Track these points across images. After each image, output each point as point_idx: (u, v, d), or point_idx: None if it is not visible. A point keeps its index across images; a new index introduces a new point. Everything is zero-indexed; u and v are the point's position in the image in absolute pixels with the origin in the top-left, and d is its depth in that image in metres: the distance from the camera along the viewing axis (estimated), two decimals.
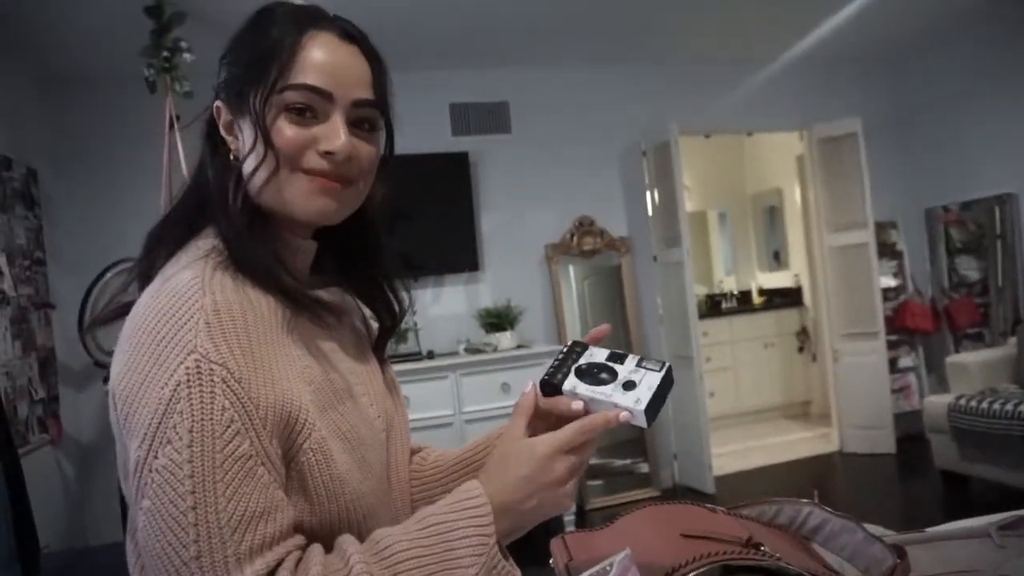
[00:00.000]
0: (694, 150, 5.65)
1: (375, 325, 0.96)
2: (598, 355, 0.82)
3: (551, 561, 1.00)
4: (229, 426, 0.63)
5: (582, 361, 0.81)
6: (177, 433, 0.62)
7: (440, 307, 4.32)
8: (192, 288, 0.68)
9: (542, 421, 0.78)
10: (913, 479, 4.33)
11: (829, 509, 1.09)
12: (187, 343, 0.65)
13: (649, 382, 0.75)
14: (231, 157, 0.80)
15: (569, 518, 3.94)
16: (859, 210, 4.79)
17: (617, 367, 0.79)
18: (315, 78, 0.76)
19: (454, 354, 4.06)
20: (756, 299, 6.76)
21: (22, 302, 3.24)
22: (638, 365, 0.78)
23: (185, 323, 0.66)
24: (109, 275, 3.47)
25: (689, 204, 5.24)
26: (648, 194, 4.71)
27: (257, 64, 0.76)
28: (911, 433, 4.74)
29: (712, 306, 6.58)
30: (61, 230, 3.72)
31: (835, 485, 4.52)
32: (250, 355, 0.67)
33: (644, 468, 4.55)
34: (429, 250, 4.02)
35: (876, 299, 4.77)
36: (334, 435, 0.73)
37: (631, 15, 3.92)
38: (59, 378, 3.59)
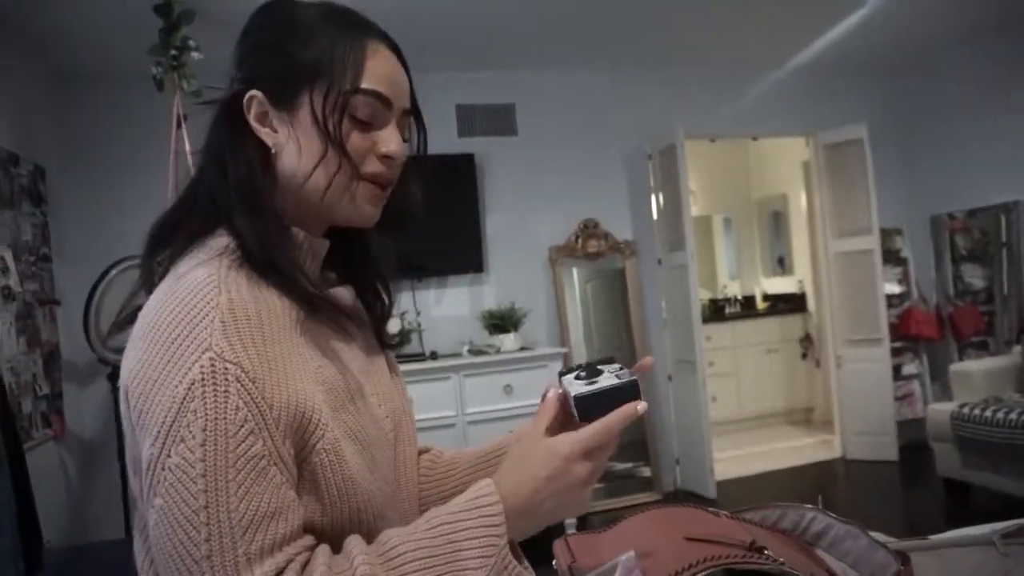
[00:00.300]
0: (699, 154, 5.65)
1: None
2: (609, 367, 0.82)
3: (554, 562, 1.00)
4: (243, 426, 0.63)
5: (598, 366, 0.82)
6: (191, 432, 0.62)
7: (444, 308, 4.32)
8: (208, 286, 0.68)
9: (564, 425, 0.77)
10: (915, 487, 4.32)
11: (833, 514, 1.08)
12: (202, 341, 0.64)
13: (604, 382, 0.76)
14: (272, 151, 0.79)
15: (570, 521, 3.94)
16: (864, 216, 4.78)
17: (604, 372, 0.79)
18: (381, 86, 0.78)
19: (457, 355, 4.06)
20: (760, 304, 6.76)
21: (27, 298, 3.25)
22: (617, 373, 0.79)
23: (200, 321, 0.65)
24: (114, 272, 3.47)
25: (694, 208, 5.24)
26: (653, 197, 4.71)
27: (317, 63, 0.76)
28: (914, 441, 4.72)
29: (716, 311, 6.57)
30: (67, 227, 3.73)
31: (837, 492, 4.51)
32: (264, 355, 0.67)
33: (646, 472, 4.54)
34: (434, 251, 4.02)
35: (880, 306, 4.76)
36: (346, 435, 0.72)
37: (639, 19, 3.92)
38: (63, 374, 3.60)
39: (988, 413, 3.54)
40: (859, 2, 3.93)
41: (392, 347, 0.96)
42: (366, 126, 0.78)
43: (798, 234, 6.40)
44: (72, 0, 3.02)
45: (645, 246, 4.70)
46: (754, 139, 5.76)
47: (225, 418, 0.63)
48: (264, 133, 0.78)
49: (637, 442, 4.49)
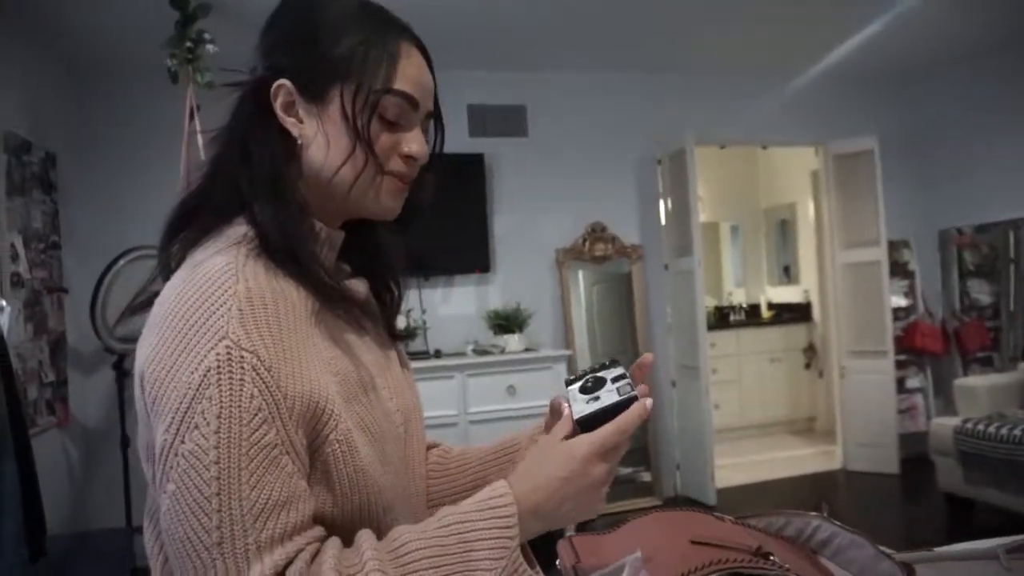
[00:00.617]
0: (708, 161, 5.65)
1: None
2: (612, 373, 0.83)
3: (557, 563, 1.00)
4: (256, 414, 0.63)
5: (600, 373, 0.83)
6: (205, 419, 0.62)
7: (449, 307, 4.33)
8: (225, 274, 0.68)
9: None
10: (916, 500, 4.31)
11: (838, 523, 1.08)
12: (218, 329, 0.65)
13: (605, 401, 0.77)
14: (298, 143, 0.79)
15: None
16: (872, 228, 4.78)
17: (607, 382, 0.80)
18: (412, 88, 0.79)
19: (462, 354, 4.07)
20: (765, 313, 6.75)
21: (36, 285, 3.26)
22: (617, 383, 0.79)
23: (217, 309, 0.66)
24: (122, 262, 3.49)
25: (701, 215, 5.24)
26: (661, 202, 4.71)
27: (350, 60, 0.77)
28: (915, 454, 4.71)
29: (720, 318, 6.56)
30: (77, 215, 3.75)
31: (838, 503, 4.49)
32: (280, 344, 0.67)
33: (647, 477, 4.54)
34: (441, 250, 4.02)
35: (886, 318, 4.75)
36: (358, 427, 0.73)
37: (652, 24, 3.92)
38: (69, 362, 3.61)
39: (992, 429, 3.53)
40: (874, 16, 3.92)
41: (402, 339, 0.97)
42: (393, 126, 0.79)
43: (805, 244, 6.39)
44: None
45: (652, 251, 4.70)
46: (764, 147, 5.75)
47: (240, 406, 0.63)
48: (290, 123, 0.79)
49: (638, 447, 4.48)
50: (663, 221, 4.71)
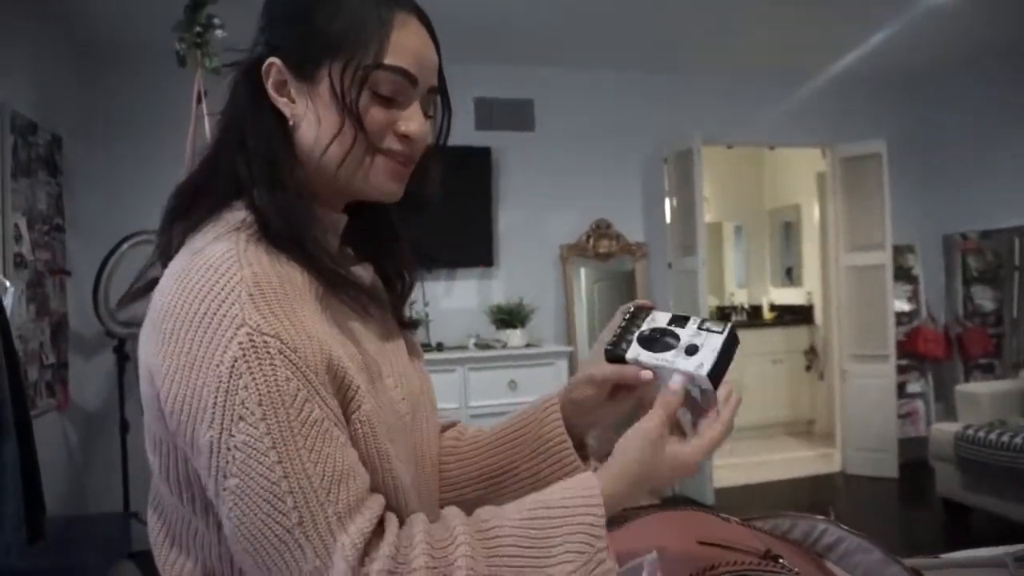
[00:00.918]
0: (714, 160, 5.62)
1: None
2: (660, 320, 0.81)
3: None
4: (296, 395, 0.63)
5: (644, 327, 0.81)
6: (247, 408, 0.61)
7: (452, 300, 4.32)
8: (228, 260, 0.66)
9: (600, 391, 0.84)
10: (914, 505, 4.31)
11: (845, 527, 1.08)
12: (234, 317, 0.63)
13: (712, 344, 0.75)
14: (290, 123, 0.77)
15: None
16: (878, 231, 4.76)
17: (679, 331, 0.79)
18: (408, 63, 0.75)
19: (463, 348, 4.06)
20: (767, 314, 6.73)
21: (39, 267, 3.25)
22: (700, 328, 0.78)
23: (227, 297, 0.64)
24: (126, 246, 3.48)
25: (706, 215, 5.22)
26: (667, 201, 4.70)
27: (341, 35, 0.73)
28: (914, 459, 4.70)
29: (722, 318, 6.53)
30: (82, 198, 3.74)
31: (836, 506, 4.49)
32: (297, 324, 0.66)
33: None
34: (444, 242, 4.01)
35: (889, 322, 4.74)
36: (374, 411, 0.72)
37: (663, 24, 3.91)
38: (70, 345, 3.61)
39: (993, 436, 3.52)
40: (884, 20, 3.90)
41: (411, 327, 0.94)
42: (389, 102, 0.76)
43: (808, 246, 6.37)
44: None
45: (656, 249, 4.69)
46: (771, 148, 5.73)
47: (278, 389, 0.62)
48: (282, 103, 0.76)
49: None
50: (668, 220, 4.70)
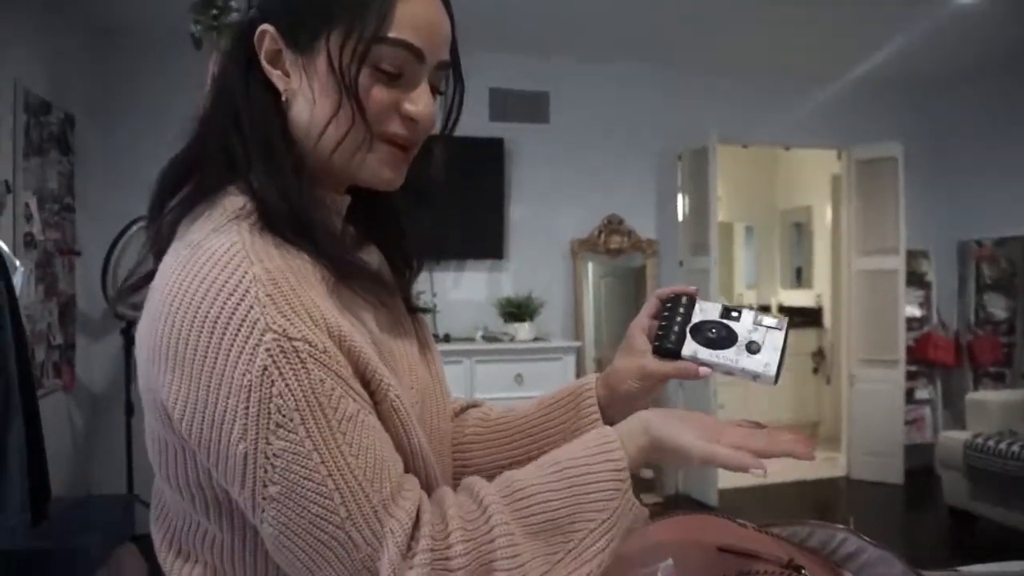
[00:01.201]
0: (726, 160, 5.57)
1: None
2: (710, 311, 0.77)
3: None
4: (332, 394, 0.61)
5: (694, 319, 0.77)
6: (283, 415, 0.59)
7: (461, 292, 4.30)
8: (236, 257, 0.61)
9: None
10: (920, 513, 4.28)
11: (866, 538, 1.05)
12: (254, 321, 0.59)
13: (773, 342, 0.73)
14: (283, 98, 0.70)
15: None
16: (891, 236, 4.72)
17: (734, 325, 0.75)
18: (413, 35, 0.68)
19: (471, 340, 4.04)
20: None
21: (48, 247, 3.24)
22: (755, 323, 0.74)
23: (242, 299, 0.59)
24: (135, 228, 3.47)
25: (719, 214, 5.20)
26: (680, 198, 4.66)
27: (340, 2, 0.67)
28: (918, 466, 4.70)
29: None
30: (93, 178, 3.72)
31: (840, 510, 4.47)
32: (319, 321, 0.62)
33: (648, 474, 4.52)
34: (455, 233, 3.99)
35: (900, 327, 4.70)
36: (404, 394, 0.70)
37: (682, 20, 3.87)
38: (77, 326, 3.60)
39: (1003, 445, 3.49)
40: (904, 25, 3.86)
41: (420, 312, 0.89)
42: (393, 79, 0.69)
43: (820, 248, 6.33)
44: None
45: (667, 247, 4.65)
46: (787, 149, 5.69)
47: (314, 391, 0.60)
48: (275, 76, 0.70)
49: None
50: (680, 218, 4.66)
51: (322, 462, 0.59)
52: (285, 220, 0.67)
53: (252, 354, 0.58)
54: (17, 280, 2.20)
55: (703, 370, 0.77)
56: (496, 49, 4.22)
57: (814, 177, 6.18)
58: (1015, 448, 3.43)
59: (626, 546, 1.00)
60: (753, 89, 4.72)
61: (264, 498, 0.59)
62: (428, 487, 0.69)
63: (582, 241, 4.48)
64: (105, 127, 3.80)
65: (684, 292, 0.82)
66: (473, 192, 4.14)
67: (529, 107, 4.43)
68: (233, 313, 0.59)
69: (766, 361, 0.72)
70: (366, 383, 0.65)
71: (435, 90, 0.74)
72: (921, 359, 4.91)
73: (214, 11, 2.83)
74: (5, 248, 2.27)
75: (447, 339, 4.00)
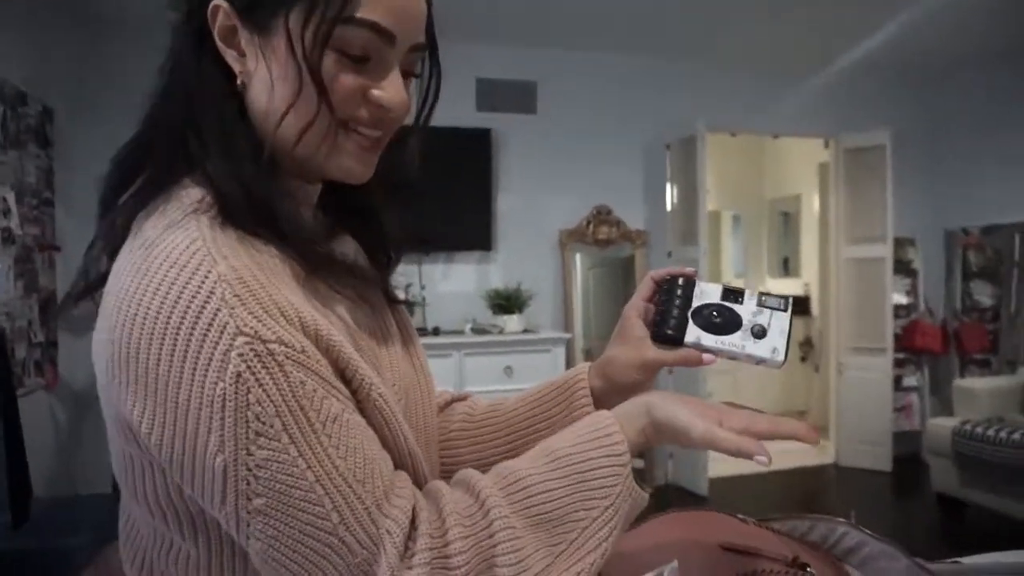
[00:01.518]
0: (713, 149, 5.56)
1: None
2: (711, 293, 0.73)
3: None
4: (313, 395, 0.57)
5: (695, 303, 0.73)
6: (263, 423, 0.54)
7: (449, 284, 4.27)
8: (196, 255, 0.56)
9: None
10: (908, 499, 4.31)
11: (868, 531, 1.04)
12: (223, 325, 0.54)
13: (779, 325, 0.70)
14: (238, 81, 0.65)
15: None
16: (879, 224, 4.73)
17: (737, 308, 0.72)
18: (383, 16, 0.62)
19: (460, 332, 4.02)
20: None
21: (27, 242, 3.18)
22: (760, 305, 0.71)
23: (207, 301, 0.54)
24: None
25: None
26: (669, 188, 4.65)
27: None
28: (906, 453, 4.73)
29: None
30: (73, 172, 3.65)
31: (829, 498, 4.50)
32: (294, 317, 0.58)
33: (639, 464, 4.47)
34: (442, 225, 3.95)
35: (888, 316, 4.72)
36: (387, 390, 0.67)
37: (671, 10, 3.84)
38: (59, 323, 3.54)
39: (991, 432, 3.50)
40: (894, 14, 3.85)
41: (401, 304, 0.84)
42: (361, 63, 0.63)
43: (807, 237, 6.34)
44: None
45: (656, 237, 4.64)
46: (775, 137, 5.68)
47: (294, 395, 0.56)
48: (230, 56, 0.64)
49: None
50: (669, 208, 4.65)
51: (308, 468, 0.55)
52: (247, 212, 0.62)
53: (223, 361, 0.54)
54: None
55: (707, 357, 0.74)
56: (483, 39, 4.18)
57: (802, 166, 6.19)
58: (1003, 435, 3.44)
59: (628, 547, 0.98)
60: (741, 78, 4.71)
61: (249, 512, 0.56)
62: (418, 484, 0.66)
63: (570, 232, 4.46)
64: (85, 120, 3.72)
65: (681, 274, 0.78)
66: (460, 183, 4.11)
67: (516, 97, 4.39)
68: (198, 318, 0.54)
69: (773, 346, 0.70)
70: (347, 380, 0.62)
71: (410, 74, 0.69)
72: (908, 347, 4.93)
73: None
74: None
75: (436, 332, 3.97)
